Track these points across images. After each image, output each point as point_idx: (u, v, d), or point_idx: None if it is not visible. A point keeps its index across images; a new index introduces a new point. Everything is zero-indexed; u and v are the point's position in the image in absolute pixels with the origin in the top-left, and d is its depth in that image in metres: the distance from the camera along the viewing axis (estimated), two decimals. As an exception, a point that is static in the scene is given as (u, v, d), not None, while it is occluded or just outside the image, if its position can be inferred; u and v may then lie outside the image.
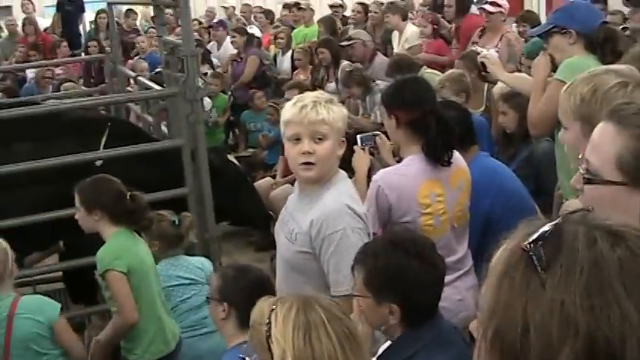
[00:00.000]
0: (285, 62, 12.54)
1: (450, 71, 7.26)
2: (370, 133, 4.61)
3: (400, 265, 2.96)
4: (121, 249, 4.82)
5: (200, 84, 6.46)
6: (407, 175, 4.08)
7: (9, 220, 6.12)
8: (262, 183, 8.93)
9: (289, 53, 12.30)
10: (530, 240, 1.35)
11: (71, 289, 7.06)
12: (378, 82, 9.00)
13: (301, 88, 9.09)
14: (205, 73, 10.78)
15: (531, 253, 1.34)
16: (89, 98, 8.89)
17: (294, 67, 11.80)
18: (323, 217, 3.57)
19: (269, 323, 2.36)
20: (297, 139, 3.55)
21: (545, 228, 1.36)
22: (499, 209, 4.58)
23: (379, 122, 8.43)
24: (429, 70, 8.90)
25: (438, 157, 4.10)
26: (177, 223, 5.23)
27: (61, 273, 7.40)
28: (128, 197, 4.86)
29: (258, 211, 7.33)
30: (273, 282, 3.88)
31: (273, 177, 9.20)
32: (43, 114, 6.74)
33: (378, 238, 3.28)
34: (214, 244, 6.65)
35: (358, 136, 4.48)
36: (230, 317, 3.73)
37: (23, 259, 6.71)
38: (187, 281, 5.17)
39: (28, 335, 4.56)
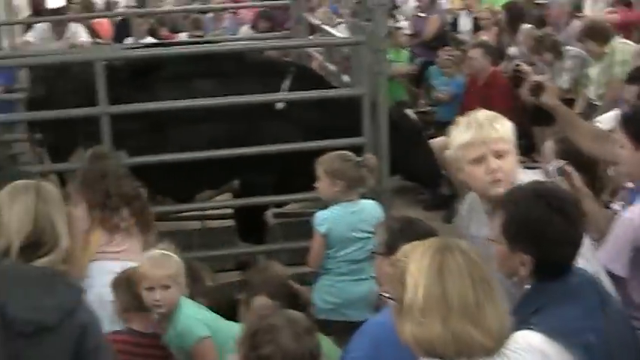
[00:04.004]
0: (467, 24, 12.29)
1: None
2: (557, 165, 4.21)
3: (540, 218, 2.87)
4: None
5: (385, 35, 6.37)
6: None
7: (187, 154, 6.28)
8: (437, 142, 8.75)
9: (471, 15, 12.03)
10: None
11: (241, 227, 7.16)
12: (569, 47, 8.69)
13: (486, 48, 8.90)
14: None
15: None
16: (274, 41, 8.87)
17: (476, 29, 11.57)
18: None
19: (408, 258, 2.44)
20: (480, 160, 3.48)
21: None
22: None
23: (565, 89, 8.19)
24: (622, 39, 8.52)
25: None
26: (360, 163, 5.15)
27: (231, 211, 7.56)
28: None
29: (431, 168, 7.17)
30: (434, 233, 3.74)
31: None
32: (227, 53, 6.83)
33: (524, 186, 3.15)
34: (387, 196, 6.58)
35: (550, 168, 4.22)
36: None
37: (196, 195, 6.86)
38: (360, 234, 5.09)
39: None
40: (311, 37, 9.67)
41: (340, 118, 6.57)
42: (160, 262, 4.04)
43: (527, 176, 3.60)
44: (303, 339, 2.82)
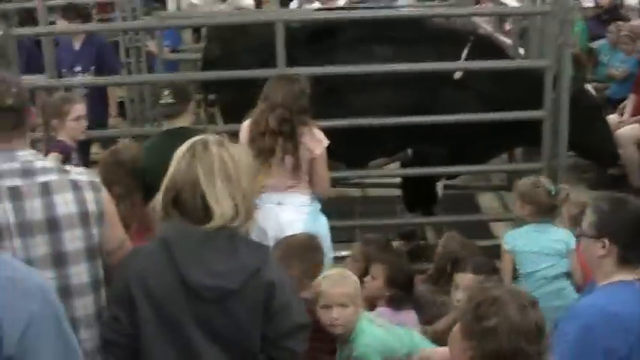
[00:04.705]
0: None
1: None
2: None
3: None
4: None
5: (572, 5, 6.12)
6: None
7: (363, 120, 6.21)
8: (609, 119, 8.42)
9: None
10: None
11: (408, 197, 7.07)
12: None
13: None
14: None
15: None
16: (455, 9, 8.55)
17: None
18: None
19: None
20: None
21: None
22: None
23: None
24: None
25: None
26: (553, 193, 5.05)
27: (398, 180, 7.49)
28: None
29: (608, 147, 6.89)
30: None
31: (621, 114, 8.68)
32: (406, 19, 6.71)
33: None
34: (562, 172, 6.37)
35: None
36: (610, 254, 3.34)
37: (369, 161, 6.79)
38: (548, 250, 4.97)
39: None
40: (477, 5, 9.49)
41: (518, 90, 6.37)
42: (339, 280, 3.92)
43: None
44: (529, 311, 2.67)
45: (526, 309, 2.66)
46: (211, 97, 7.33)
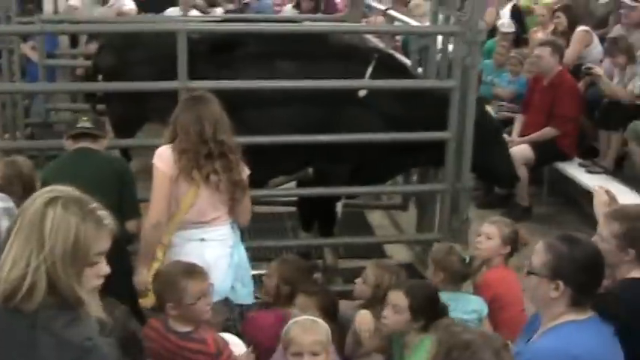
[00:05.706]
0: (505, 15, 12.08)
1: None
2: None
3: None
4: None
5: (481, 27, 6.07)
6: None
7: (262, 137, 5.98)
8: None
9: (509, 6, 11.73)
10: None
11: (305, 216, 6.88)
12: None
13: (553, 46, 8.59)
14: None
15: None
16: (353, 25, 8.32)
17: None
18: None
19: None
20: None
21: None
22: None
23: (636, 94, 7.90)
24: None
25: None
26: (466, 261, 4.97)
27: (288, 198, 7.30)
28: None
29: (507, 168, 6.89)
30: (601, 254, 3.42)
31: (508, 134, 8.74)
32: (309, 34, 6.54)
33: None
34: (466, 194, 6.32)
35: None
36: (563, 296, 3.22)
37: (269, 180, 6.57)
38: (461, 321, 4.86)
39: None
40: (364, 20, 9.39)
41: (422, 109, 6.28)
42: (310, 327, 3.80)
43: None
44: (503, 355, 2.55)
45: (500, 353, 2.55)
46: (100, 106, 6.98)
